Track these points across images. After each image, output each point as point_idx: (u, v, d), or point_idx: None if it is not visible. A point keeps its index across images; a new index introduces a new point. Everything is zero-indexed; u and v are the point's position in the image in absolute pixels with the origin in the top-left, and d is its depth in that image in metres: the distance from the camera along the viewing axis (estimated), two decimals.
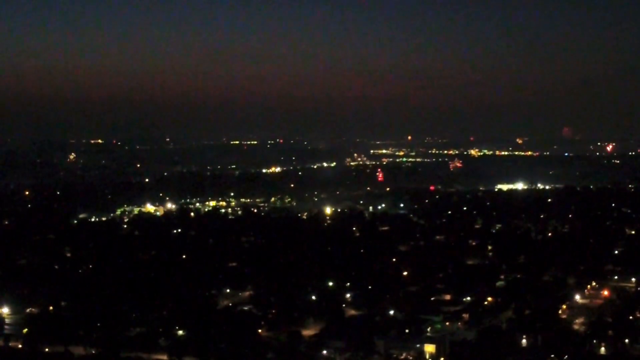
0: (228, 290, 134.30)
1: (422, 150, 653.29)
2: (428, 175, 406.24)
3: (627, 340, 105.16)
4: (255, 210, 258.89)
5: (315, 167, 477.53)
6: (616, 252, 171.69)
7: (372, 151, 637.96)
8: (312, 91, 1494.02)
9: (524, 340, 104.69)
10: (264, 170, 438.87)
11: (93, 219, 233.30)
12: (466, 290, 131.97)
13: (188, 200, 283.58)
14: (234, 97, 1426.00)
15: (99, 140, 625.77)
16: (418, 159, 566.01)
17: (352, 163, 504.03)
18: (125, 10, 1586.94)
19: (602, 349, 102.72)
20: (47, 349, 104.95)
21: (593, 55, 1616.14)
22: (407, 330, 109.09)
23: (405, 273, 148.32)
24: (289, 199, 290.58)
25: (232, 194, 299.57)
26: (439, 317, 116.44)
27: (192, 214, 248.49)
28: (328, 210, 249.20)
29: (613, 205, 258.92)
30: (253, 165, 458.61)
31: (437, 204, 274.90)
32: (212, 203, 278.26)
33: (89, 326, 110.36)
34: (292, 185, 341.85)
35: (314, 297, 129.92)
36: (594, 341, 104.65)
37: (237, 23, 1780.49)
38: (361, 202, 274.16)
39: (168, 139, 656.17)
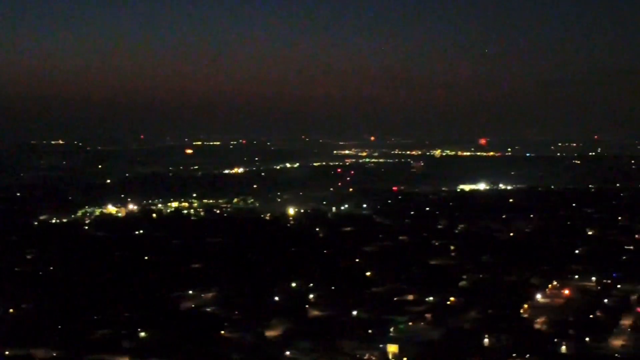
0: (191, 292, 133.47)
1: (385, 150, 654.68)
2: (391, 176, 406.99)
3: (588, 339, 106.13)
4: (218, 211, 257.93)
5: (278, 167, 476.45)
6: (577, 251, 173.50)
7: (335, 152, 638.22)
8: (275, 92, 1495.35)
9: (487, 340, 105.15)
10: (226, 171, 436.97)
11: (54, 220, 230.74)
12: (430, 290, 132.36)
13: (150, 201, 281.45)
14: (197, 97, 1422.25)
15: (60, 141, 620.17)
16: (381, 160, 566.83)
17: (315, 164, 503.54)
18: (83, 9, 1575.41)
19: (564, 348, 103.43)
20: (7, 352, 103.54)
21: (555, 57, 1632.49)
22: (370, 331, 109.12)
23: (369, 273, 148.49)
24: (252, 200, 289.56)
25: (194, 195, 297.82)
26: (403, 317, 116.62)
27: (154, 215, 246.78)
28: (291, 210, 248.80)
29: (574, 205, 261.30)
30: (216, 166, 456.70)
31: (400, 204, 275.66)
32: (175, 204, 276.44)
33: (51, 329, 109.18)
34: (255, 186, 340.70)
35: (277, 298, 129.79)
36: (556, 340, 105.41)
37: (199, 22, 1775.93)
38: (325, 202, 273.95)
39: (130, 140, 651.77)
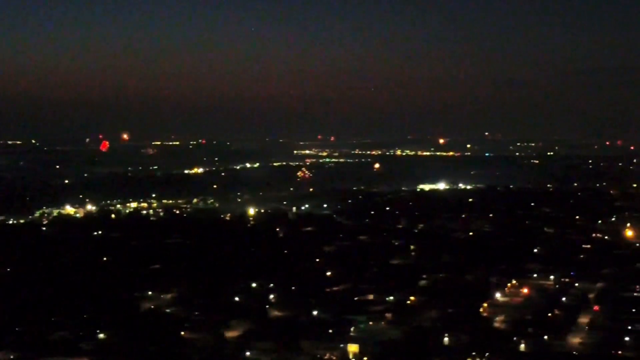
0: (151, 293, 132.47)
1: (346, 150, 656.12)
2: (351, 176, 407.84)
3: (546, 337, 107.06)
4: (178, 212, 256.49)
5: (238, 167, 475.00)
6: (536, 250, 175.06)
7: (295, 152, 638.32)
8: (235, 91, 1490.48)
9: (446, 339, 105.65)
10: (186, 171, 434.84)
11: (11, 222, 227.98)
12: (390, 289, 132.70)
13: (109, 201, 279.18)
14: (156, 97, 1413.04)
15: (17, 142, 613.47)
16: (342, 160, 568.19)
17: (275, 164, 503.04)
18: (42, 12, 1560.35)
19: (523, 346, 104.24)
20: None
21: (514, 58, 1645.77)
22: (331, 331, 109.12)
23: (329, 273, 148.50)
24: (212, 200, 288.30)
25: (153, 195, 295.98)
26: (363, 317, 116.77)
27: (113, 215, 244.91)
28: (252, 211, 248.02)
29: (533, 204, 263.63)
30: (175, 166, 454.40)
31: (360, 204, 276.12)
32: (134, 204, 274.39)
33: (7, 331, 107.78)
34: (215, 186, 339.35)
35: (238, 298, 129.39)
36: (515, 338, 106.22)
37: (156, 21, 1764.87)
38: (285, 202, 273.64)
39: (88, 140, 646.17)
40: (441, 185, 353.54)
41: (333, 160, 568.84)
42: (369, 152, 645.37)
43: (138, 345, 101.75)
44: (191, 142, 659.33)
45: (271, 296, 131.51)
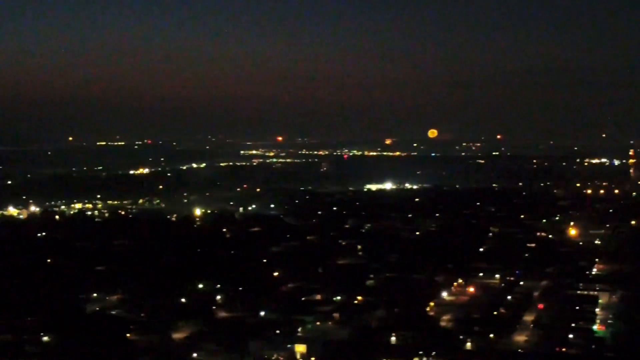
0: (96, 295, 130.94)
1: (293, 151, 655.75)
2: (299, 176, 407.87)
3: (492, 335, 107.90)
4: (123, 213, 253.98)
5: (184, 168, 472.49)
6: (482, 249, 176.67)
7: (242, 152, 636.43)
8: (181, 91, 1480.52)
9: (394, 338, 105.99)
10: (132, 172, 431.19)
11: None
12: (337, 290, 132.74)
13: (53, 203, 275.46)
14: (101, 97, 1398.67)
15: None
16: (289, 160, 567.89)
17: (222, 164, 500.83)
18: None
19: (469, 344, 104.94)
20: None
21: (460, 58, 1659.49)
22: (278, 331, 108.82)
23: (276, 274, 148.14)
24: (158, 201, 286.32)
25: (98, 196, 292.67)
26: (311, 317, 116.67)
27: (57, 216, 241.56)
28: (198, 211, 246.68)
29: (478, 204, 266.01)
30: (121, 167, 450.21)
31: (308, 204, 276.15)
32: (79, 205, 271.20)
33: None
34: (161, 187, 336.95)
35: (184, 300, 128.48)
36: (461, 337, 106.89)
37: (99, 20, 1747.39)
38: (232, 203, 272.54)
39: (33, 140, 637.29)
40: (388, 185, 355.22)
41: (280, 160, 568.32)
42: (316, 153, 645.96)
43: (83, 347, 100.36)
44: (137, 143, 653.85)
45: (218, 297, 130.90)
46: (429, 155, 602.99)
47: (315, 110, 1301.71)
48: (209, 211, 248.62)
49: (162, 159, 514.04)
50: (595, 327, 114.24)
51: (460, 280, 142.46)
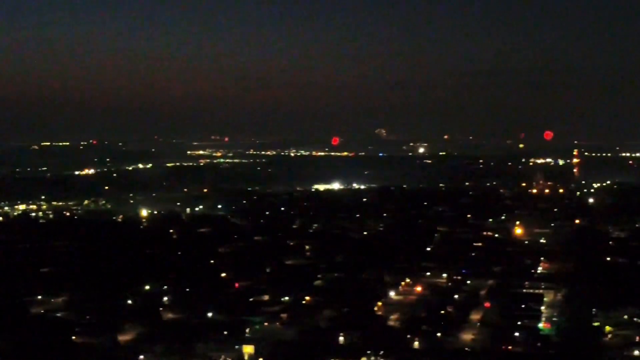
0: (40, 297, 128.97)
1: (240, 151, 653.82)
2: (246, 176, 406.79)
3: (439, 334, 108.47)
4: (68, 214, 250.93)
5: (130, 168, 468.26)
6: (429, 249, 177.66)
7: (189, 152, 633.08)
8: (127, 91, 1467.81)
9: (342, 338, 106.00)
10: (76, 173, 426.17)
11: None
12: (285, 290, 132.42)
13: None
14: (44, 96, 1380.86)
15: None
16: (236, 160, 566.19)
17: (168, 164, 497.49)
18: None
19: (417, 343, 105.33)
20: None
21: (406, 58, 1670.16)
22: (226, 332, 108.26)
23: (224, 275, 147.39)
24: (104, 202, 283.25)
25: (43, 197, 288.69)
26: (258, 318, 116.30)
27: (0, 218, 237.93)
28: (144, 212, 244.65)
29: (426, 204, 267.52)
30: (65, 168, 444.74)
31: (255, 204, 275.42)
32: (22, 207, 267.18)
33: None
34: (106, 188, 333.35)
35: (130, 301, 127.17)
36: (409, 336, 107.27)
37: (42, 18, 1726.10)
38: (179, 203, 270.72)
39: None
40: (336, 186, 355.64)
41: (227, 160, 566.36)
42: (263, 153, 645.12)
43: (27, 350, 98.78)
44: (82, 143, 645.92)
45: (165, 298, 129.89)
46: (376, 155, 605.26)
47: (262, 110, 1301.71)
48: (155, 212, 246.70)
49: (107, 160, 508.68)
50: (540, 325, 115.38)
51: (407, 280, 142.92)
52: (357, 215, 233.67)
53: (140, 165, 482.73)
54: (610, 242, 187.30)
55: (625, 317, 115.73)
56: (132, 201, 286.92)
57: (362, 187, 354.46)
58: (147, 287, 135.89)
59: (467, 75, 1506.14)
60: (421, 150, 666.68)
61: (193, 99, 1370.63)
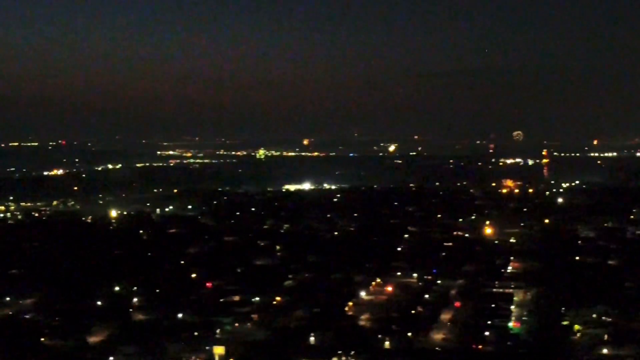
0: (8, 299, 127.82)
1: (210, 151, 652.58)
2: (216, 176, 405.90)
3: (410, 334, 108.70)
4: (37, 215, 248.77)
5: (100, 169, 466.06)
6: (399, 249, 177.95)
7: (158, 152, 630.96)
8: (96, 91, 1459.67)
9: (312, 338, 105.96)
10: (45, 173, 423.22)
11: None
12: (256, 290, 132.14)
13: None
14: (13, 97, 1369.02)
15: None
16: (206, 160, 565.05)
17: (138, 165, 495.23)
18: None
19: (387, 343, 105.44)
20: None
21: (377, 58, 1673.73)
22: (196, 333, 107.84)
23: (194, 275, 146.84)
24: (73, 203, 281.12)
25: (11, 197, 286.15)
26: (229, 318, 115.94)
27: None
28: (114, 213, 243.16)
29: (396, 204, 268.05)
30: (34, 168, 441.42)
31: (225, 205, 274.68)
32: None
33: None
34: (75, 188, 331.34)
35: (100, 303, 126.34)
36: (380, 336, 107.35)
37: (17, 21, 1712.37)
38: (148, 204, 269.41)
39: None
40: (306, 186, 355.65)
41: (197, 161, 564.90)
42: (233, 153, 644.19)
43: None
44: (50, 143, 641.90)
45: (135, 299, 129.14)
46: (347, 155, 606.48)
47: (233, 110, 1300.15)
48: (125, 212, 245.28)
49: (76, 160, 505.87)
50: (510, 324, 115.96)
51: (378, 280, 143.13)
52: (328, 216, 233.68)
53: (110, 166, 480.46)
54: (579, 242, 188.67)
55: (594, 315, 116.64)
56: (101, 202, 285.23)
57: (333, 187, 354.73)
58: (117, 288, 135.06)
59: (437, 76, 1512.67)
60: (392, 150, 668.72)
61: (163, 100, 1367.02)
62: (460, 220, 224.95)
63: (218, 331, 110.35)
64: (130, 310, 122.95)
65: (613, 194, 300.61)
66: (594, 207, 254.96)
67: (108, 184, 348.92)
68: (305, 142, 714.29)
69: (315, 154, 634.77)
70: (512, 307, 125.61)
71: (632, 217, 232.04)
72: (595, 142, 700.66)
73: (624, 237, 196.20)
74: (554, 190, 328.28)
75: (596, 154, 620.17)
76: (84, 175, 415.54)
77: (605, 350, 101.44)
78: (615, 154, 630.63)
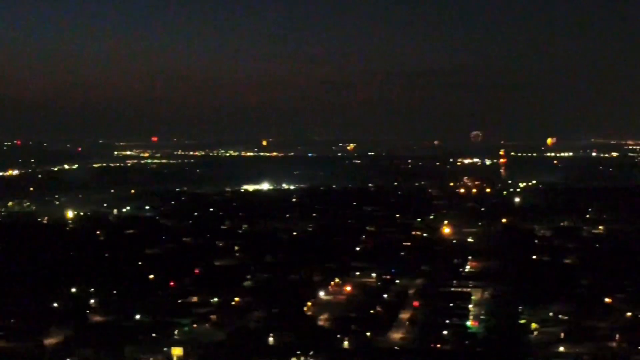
0: None
1: (168, 151, 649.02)
2: (174, 177, 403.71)
3: (369, 334, 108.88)
4: None
5: (56, 169, 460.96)
6: (358, 249, 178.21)
7: (116, 152, 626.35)
8: (52, 90, 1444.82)
9: (271, 339, 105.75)
10: (0, 174, 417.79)
11: None
12: (215, 291, 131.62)
13: None
14: None
15: None
16: (164, 160, 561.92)
17: (95, 165, 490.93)
18: None
19: (346, 343, 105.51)
20: None
21: (335, 58, 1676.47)
22: (154, 335, 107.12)
23: (152, 276, 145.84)
24: (28, 203, 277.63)
25: None
26: (188, 319, 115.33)
27: None
28: (71, 214, 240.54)
29: (355, 204, 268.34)
30: None
31: (184, 205, 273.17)
32: None
33: None
34: (31, 189, 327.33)
35: (57, 304, 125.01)
36: (339, 336, 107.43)
37: None
38: (106, 205, 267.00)
39: None
40: (265, 186, 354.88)
41: (155, 161, 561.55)
42: (191, 153, 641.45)
43: None
44: (5, 143, 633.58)
45: (92, 301, 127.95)
46: (305, 155, 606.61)
47: (190, 110, 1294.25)
48: (81, 213, 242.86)
49: (32, 160, 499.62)
50: (468, 323, 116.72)
51: (337, 280, 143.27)
52: (287, 216, 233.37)
53: (66, 166, 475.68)
54: (536, 241, 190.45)
55: (551, 314, 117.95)
56: (57, 202, 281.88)
57: (292, 187, 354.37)
58: (74, 290, 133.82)
59: (395, 76, 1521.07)
60: (350, 150, 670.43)
61: (120, 99, 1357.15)
62: (419, 220, 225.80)
63: (176, 332, 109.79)
64: (88, 311, 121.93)
65: (569, 194, 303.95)
66: (550, 206, 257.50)
67: (64, 185, 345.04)
68: (264, 142, 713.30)
69: (274, 154, 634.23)
70: (470, 306, 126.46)
71: (587, 216, 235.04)
72: (549, 141, 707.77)
73: (580, 236, 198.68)
74: (511, 190, 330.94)
75: (553, 154, 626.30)
76: (39, 176, 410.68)
77: (561, 348, 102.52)
78: (571, 153, 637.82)
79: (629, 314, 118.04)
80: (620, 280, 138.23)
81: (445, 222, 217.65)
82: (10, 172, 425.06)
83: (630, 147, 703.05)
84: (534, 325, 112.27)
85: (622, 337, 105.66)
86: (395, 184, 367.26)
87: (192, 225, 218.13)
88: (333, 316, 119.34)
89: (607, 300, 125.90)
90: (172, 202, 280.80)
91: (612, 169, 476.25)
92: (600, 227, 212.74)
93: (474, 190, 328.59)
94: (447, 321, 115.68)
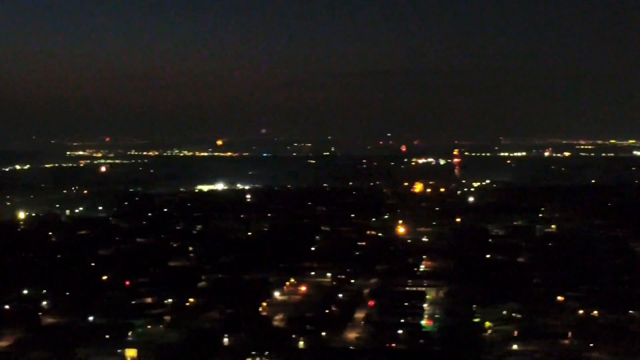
0: None
1: (121, 151, 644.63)
2: (127, 177, 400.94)
3: (324, 333, 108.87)
4: None
5: (7, 170, 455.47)
6: (313, 249, 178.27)
7: (68, 153, 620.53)
8: (3, 90, 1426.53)
9: (226, 340, 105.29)
10: None
11: None
12: (169, 292, 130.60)
13: None
14: None
15: None
16: (117, 161, 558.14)
17: (47, 165, 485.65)
18: None
19: (301, 343, 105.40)
20: None
21: (290, 59, 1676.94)
22: (108, 336, 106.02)
23: (105, 277, 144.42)
24: None
25: None
26: (141, 320, 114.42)
27: None
28: (22, 215, 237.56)
29: (310, 203, 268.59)
30: None
31: (137, 206, 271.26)
32: None
33: None
34: None
35: (8, 306, 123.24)
36: (294, 336, 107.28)
37: None
38: (58, 205, 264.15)
39: None
40: (220, 186, 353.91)
41: (108, 161, 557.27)
42: (145, 153, 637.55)
43: None
44: None
45: (44, 302, 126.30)
46: (260, 155, 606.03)
47: (144, 110, 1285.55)
48: (33, 214, 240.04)
49: None
50: (423, 322, 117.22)
51: (292, 280, 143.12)
52: (242, 216, 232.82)
53: (18, 167, 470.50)
54: (490, 240, 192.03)
55: (504, 312, 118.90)
56: (8, 203, 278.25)
57: (247, 187, 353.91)
58: (26, 292, 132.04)
59: (350, 76, 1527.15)
60: (305, 150, 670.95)
61: (73, 99, 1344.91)
62: (374, 219, 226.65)
63: (130, 333, 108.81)
64: (40, 313, 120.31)
65: (522, 193, 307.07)
66: (504, 205, 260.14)
67: (16, 185, 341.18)
68: (219, 142, 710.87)
69: (229, 154, 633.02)
70: (425, 305, 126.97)
71: (540, 215, 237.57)
72: (501, 140, 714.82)
73: (533, 235, 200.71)
74: (465, 189, 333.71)
75: (506, 154, 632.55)
76: None
77: (515, 346, 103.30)
78: (524, 153, 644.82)
79: (581, 311, 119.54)
80: (572, 279, 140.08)
81: (400, 221, 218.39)
82: None
83: (582, 146, 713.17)
84: (487, 324, 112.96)
85: (574, 335, 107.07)
86: (350, 183, 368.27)
87: (146, 226, 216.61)
88: (288, 316, 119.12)
89: (559, 298, 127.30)
90: (126, 203, 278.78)
91: (565, 169, 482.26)
92: (553, 226, 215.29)
93: (429, 190, 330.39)
94: (402, 320, 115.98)
